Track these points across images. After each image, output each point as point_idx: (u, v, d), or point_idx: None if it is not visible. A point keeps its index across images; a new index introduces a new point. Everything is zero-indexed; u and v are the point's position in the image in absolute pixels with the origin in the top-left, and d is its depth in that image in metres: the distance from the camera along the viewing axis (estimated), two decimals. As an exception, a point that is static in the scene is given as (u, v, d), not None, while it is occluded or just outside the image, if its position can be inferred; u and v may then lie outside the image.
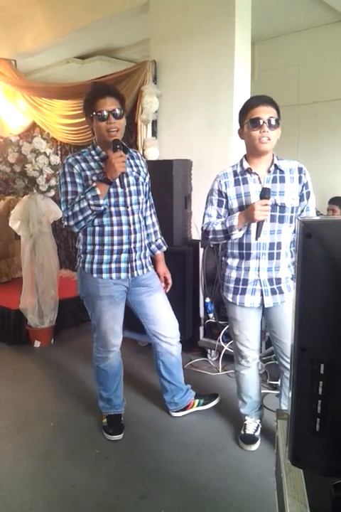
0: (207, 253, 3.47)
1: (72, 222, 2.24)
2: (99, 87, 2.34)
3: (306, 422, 0.71)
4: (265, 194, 2.04)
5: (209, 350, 3.56)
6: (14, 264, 5.17)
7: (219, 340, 3.40)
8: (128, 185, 2.32)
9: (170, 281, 2.65)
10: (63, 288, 4.27)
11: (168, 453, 2.42)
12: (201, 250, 3.49)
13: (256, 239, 2.11)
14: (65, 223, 2.29)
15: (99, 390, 2.59)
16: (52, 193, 3.89)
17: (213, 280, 3.45)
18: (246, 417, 2.50)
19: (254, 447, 2.42)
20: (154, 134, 4.15)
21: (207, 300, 3.50)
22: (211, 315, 3.52)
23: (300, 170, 2.18)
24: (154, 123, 4.14)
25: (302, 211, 2.20)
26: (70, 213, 2.22)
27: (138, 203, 2.37)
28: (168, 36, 3.93)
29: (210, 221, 2.23)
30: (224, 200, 2.23)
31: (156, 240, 2.58)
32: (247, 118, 2.11)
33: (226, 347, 3.34)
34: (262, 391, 2.91)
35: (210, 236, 2.22)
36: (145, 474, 2.26)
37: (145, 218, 2.51)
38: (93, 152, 2.31)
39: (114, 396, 2.58)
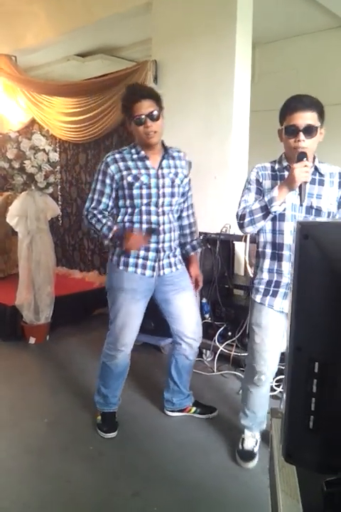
0: (205, 254, 3.48)
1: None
2: (133, 90, 2.30)
3: (300, 419, 0.73)
4: (302, 157, 1.93)
5: (204, 351, 3.57)
6: (11, 260, 5.16)
7: (214, 341, 3.41)
8: (163, 187, 2.33)
9: (200, 283, 2.65)
10: (60, 285, 4.28)
11: (162, 451, 2.43)
12: (198, 250, 3.50)
13: (301, 203, 1.97)
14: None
15: (99, 384, 2.59)
16: (51, 189, 3.90)
17: (210, 281, 3.46)
18: (246, 430, 2.36)
19: (252, 464, 2.29)
20: (153, 133, 4.15)
21: (204, 300, 3.52)
22: (207, 315, 3.53)
23: (340, 175, 2.09)
24: (154, 123, 4.14)
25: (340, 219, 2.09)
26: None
27: (171, 205, 2.38)
28: (169, 37, 3.95)
29: (247, 205, 2.09)
30: (262, 189, 2.12)
31: (192, 241, 2.58)
32: (285, 122, 1.99)
33: (221, 348, 3.36)
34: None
35: (247, 218, 2.05)
36: (139, 472, 2.27)
37: (181, 218, 2.54)
38: (133, 150, 2.33)
39: (111, 395, 2.58)
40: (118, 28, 4.68)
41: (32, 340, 3.91)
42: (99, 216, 2.33)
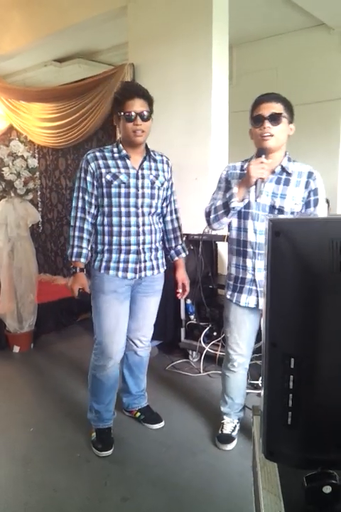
0: (188, 255, 3.48)
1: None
2: (128, 87, 2.37)
3: (278, 415, 0.73)
4: (261, 153, 2.01)
5: (190, 352, 3.57)
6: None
7: (200, 342, 3.42)
8: (143, 187, 2.31)
9: (187, 288, 2.61)
10: (43, 292, 4.23)
11: (149, 454, 2.42)
12: (184, 255, 3.50)
13: (256, 199, 2.06)
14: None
15: (91, 401, 2.50)
16: (30, 196, 3.86)
17: (194, 281, 3.46)
18: (225, 416, 2.51)
19: (230, 447, 2.44)
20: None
21: (188, 301, 3.52)
22: (192, 316, 3.54)
23: (309, 175, 2.10)
24: (133, 126, 4.13)
25: None
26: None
27: (151, 206, 2.35)
28: (146, 39, 3.95)
29: (213, 203, 2.20)
30: (230, 188, 2.16)
31: (176, 246, 2.55)
32: (252, 116, 2.08)
33: (207, 348, 3.36)
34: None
35: (212, 215, 2.17)
36: (127, 476, 2.26)
37: (165, 222, 2.52)
38: (115, 149, 2.33)
39: (105, 410, 2.49)
40: (94, 32, 4.67)
41: (16, 349, 3.86)
42: (85, 235, 2.31)
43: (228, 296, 2.29)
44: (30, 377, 3.42)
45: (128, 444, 2.52)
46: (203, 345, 3.39)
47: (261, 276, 2.16)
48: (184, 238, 3.40)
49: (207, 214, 2.20)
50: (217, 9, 3.57)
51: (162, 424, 2.68)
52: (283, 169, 2.10)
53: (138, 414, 2.72)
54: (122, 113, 2.23)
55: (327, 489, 0.75)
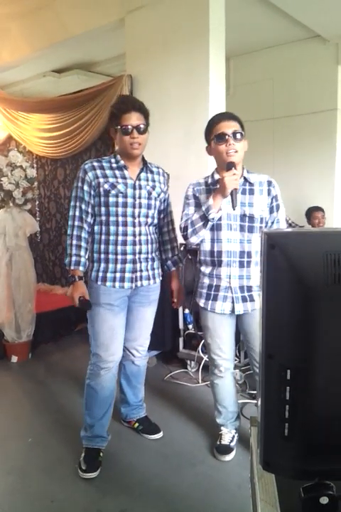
0: (186, 264, 3.49)
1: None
2: (125, 101, 2.40)
3: (275, 427, 0.74)
4: (231, 166, 2.13)
5: (188, 362, 3.57)
6: (-10, 279, 5.09)
7: (198, 352, 3.41)
8: (140, 198, 2.34)
9: (182, 297, 2.66)
10: (41, 302, 4.23)
11: (148, 465, 2.41)
12: (180, 266, 3.51)
13: (234, 208, 2.16)
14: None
15: (85, 415, 2.44)
16: (29, 206, 3.88)
17: (192, 291, 3.46)
18: (222, 427, 2.52)
19: (229, 457, 2.44)
20: (131, 147, 4.18)
21: (186, 311, 3.52)
22: (190, 326, 3.54)
23: (269, 183, 2.27)
24: (131, 136, 4.16)
25: (272, 223, 2.28)
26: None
27: (147, 216, 2.37)
28: (143, 51, 3.99)
29: (188, 217, 2.28)
30: (200, 203, 2.29)
31: (172, 257, 2.58)
32: (213, 134, 2.20)
33: (205, 358, 3.36)
34: (242, 401, 2.95)
35: (189, 229, 2.24)
36: (125, 487, 2.24)
37: (162, 234, 2.55)
38: (113, 160, 2.35)
39: (98, 424, 2.41)
40: (93, 43, 4.71)
41: (14, 359, 3.85)
42: (83, 243, 2.33)
43: (202, 305, 2.35)
44: (28, 387, 3.41)
45: (127, 454, 2.50)
46: (201, 355, 3.39)
47: (236, 283, 2.25)
48: (181, 248, 3.45)
49: (184, 229, 2.27)
50: (213, 21, 3.62)
51: (160, 434, 2.67)
52: (246, 180, 2.26)
53: (137, 424, 2.70)
54: (119, 126, 2.26)
55: (325, 500, 0.75)
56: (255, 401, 2.93)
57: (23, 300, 3.86)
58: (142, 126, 2.26)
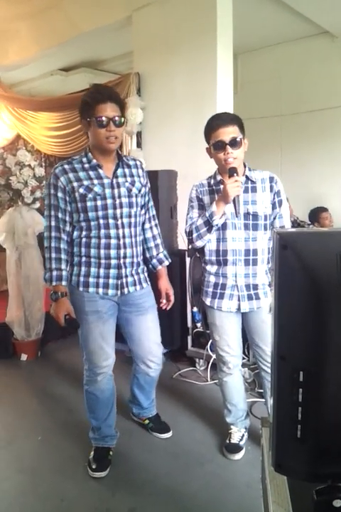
0: (194, 262, 3.46)
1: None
2: (100, 90, 2.15)
3: (288, 429, 0.73)
4: (232, 173, 2.12)
5: (197, 360, 3.56)
6: (0, 277, 5.12)
7: (207, 350, 3.40)
8: (119, 197, 2.16)
9: (172, 298, 2.49)
10: (50, 300, 4.24)
11: (156, 464, 2.41)
12: (188, 260, 3.50)
13: (237, 215, 2.16)
14: None
15: (90, 418, 2.40)
16: (38, 204, 3.89)
17: (200, 289, 3.45)
18: (232, 426, 2.51)
19: (238, 456, 2.43)
20: (139, 145, 4.18)
21: (195, 309, 3.50)
22: (199, 324, 3.52)
23: (271, 179, 2.26)
24: (139, 134, 4.17)
25: (274, 218, 2.27)
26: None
27: (130, 216, 2.20)
28: (151, 49, 3.98)
29: (192, 222, 2.28)
30: (203, 204, 2.31)
31: (157, 254, 2.42)
32: (211, 140, 2.19)
33: (214, 356, 3.34)
34: (251, 399, 2.94)
35: (194, 234, 2.25)
36: (134, 486, 2.25)
37: (144, 231, 2.37)
38: (84, 159, 2.17)
39: (104, 425, 2.37)
40: (100, 41, 4.72)
41: (24, 357, 3.87)
42: (63, 255, 2.16)
43: (208, 303, 2.35)
44: (38, 385, 3.43)
45: (136, 453, 2.51)
46: (210, 353, 3.38)
47: (242, 281, 2.25)
48: (189, 246, 3.44)
49: (189, 233, 2.28)
50: (221, 18, 3.60)
51: (170, 434, 2.66)
52: (248, 178, 2.25)
53: (147, 421, 2.70)
54: (93, 118, 2.07)
55: (338, 503, 0.74)
56: (264, 399, 2.91)
57: (32, 298, 3.87)
58: (118, 118, 2.08)
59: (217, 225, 2.19)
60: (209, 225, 2.19)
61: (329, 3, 4.08)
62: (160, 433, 2.66)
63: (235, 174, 2.11)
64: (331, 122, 5.01)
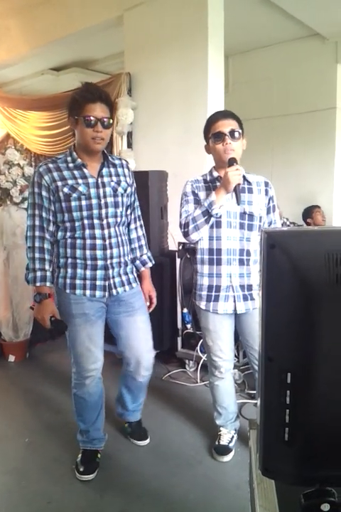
0: (184, 263, 3.47)
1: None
2: (91, 89, 2.10)
3: (275, 431, 0.72)
4: (232, 162, 2.12)
5: (187, 361, 3.55)
6: (-12, 278, 5.06)
7: (197, 351, 3.39)
8: (105, 197, 2.13)
9: (154, 300, 2.43)
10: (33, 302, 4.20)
11: (145, 466, 2.39)
12: (178, 261, 3.50)
13: (238, 203, 2.13)
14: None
15: (78, 421, 2.35)
16: (26, 204, 3.85)
17: (190, 290, 3.44)
18: (221, 428, 2.50)
19: (227, 458, 2.42)
20: (130, 145, 4.17)
21: (185, 311, 3.50)
22: (189, 325, 3.51)
23: (266, 184, 2.29)
24: (129, 135, 4.15)
25: (269, 224, 2.28)
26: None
27: (116, 216, 2.17)
28: (142, 49, 3.97)
29: (188, 214, 2.22)
30: (199, 199, 2.26)
31: (141, 256, 2.37)
32: (210, 133, 2.19)
33: (204, 357, 3.34)
34: (240, 401, 2.93)
35: (190, 226, 2.18)
36: (123, 489, 2.22)
37: (129, 231, 2.33)
38: (69, 158, 2.14)
39: (92, 428, 2.33)
40: (91, 41, 4.69)
41: (11, 359, 3.83)
42: (46, 256, 2.10)
43: (203, 307, 2.30)
44: (26, 387, 3.39)
45: (124, 455, 2.48)
46: (200, 354, 3.37)
47: (237, 281, 2.23)
48: (180, 247, 3.43)
49: (185, 225, 2.21)
50: (212, 18, 3.60)
51: (147, 441, 2.57)
52: (245, 179, 2.24)
53: (126, 425, 2.61)
54: (81, 117, 2.03)
55: (326, 507, 0.73)
56: (254, 401, 2.91)
57: (20, 299, 3.83)
58: (106, 119, 2.05)
59: (216, 214, 2.14)
60: (208, 214, 2.14)
61: (319, 5, 4.10)
62: (137, 439, 2.57)
63: (235, 163, 2.11)
64: (321, 123, 5.04)
